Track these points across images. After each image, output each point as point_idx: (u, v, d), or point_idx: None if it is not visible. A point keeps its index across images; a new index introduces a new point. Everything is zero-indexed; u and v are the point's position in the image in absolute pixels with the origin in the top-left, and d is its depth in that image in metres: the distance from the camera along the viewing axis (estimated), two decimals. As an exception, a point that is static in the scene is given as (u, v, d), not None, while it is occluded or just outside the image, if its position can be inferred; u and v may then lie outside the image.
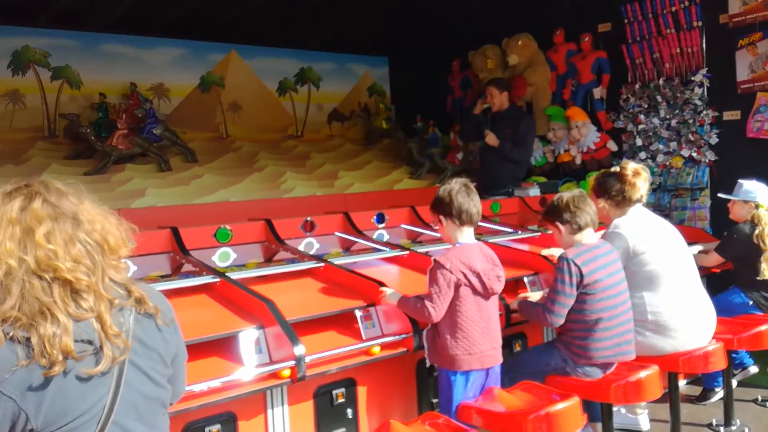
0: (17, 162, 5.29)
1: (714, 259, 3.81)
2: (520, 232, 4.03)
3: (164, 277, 2.89)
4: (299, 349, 2.29)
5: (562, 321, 2.69)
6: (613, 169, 3.23)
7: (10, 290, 1.23)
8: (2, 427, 1.20)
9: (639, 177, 3.09)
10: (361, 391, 2.68)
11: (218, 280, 2.76)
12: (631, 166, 3.13)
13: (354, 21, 6.36)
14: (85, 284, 1.29)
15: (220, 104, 6.86)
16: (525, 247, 3.67)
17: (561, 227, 2.80)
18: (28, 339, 1.20)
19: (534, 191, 5.20)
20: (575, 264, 2.63)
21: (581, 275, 2.61)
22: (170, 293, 2.41)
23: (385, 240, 3.78)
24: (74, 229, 1.32)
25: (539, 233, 3.96)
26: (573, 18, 5.66)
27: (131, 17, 5.74)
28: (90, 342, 1.26)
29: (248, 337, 2.38)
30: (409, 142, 6.94)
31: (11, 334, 1.20)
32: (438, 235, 2.86)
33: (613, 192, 3.13)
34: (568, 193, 2.86)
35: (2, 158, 5.26)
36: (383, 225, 4.01)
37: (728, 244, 3.74)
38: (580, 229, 2.76)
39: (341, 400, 2.59)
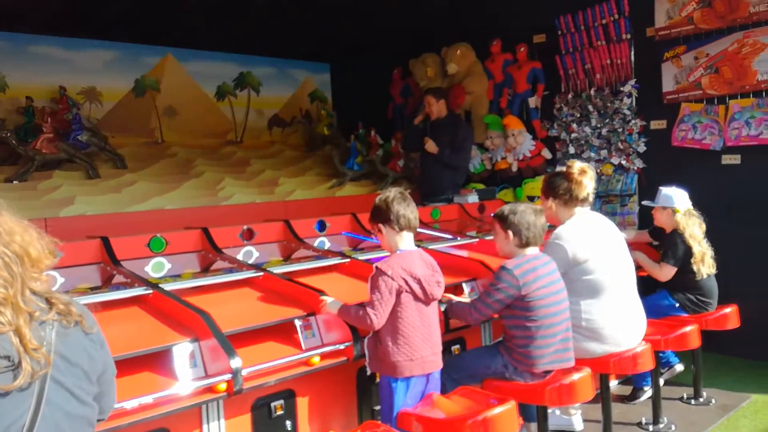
0: (-66, 169, 4.98)
1: (667, 271, 3.79)
2: (459, 238, 4.08)
3: (93, 290, 2.77)
4: (236, 362, 2.24)
5: (482, 320, 2.84)
6: (559, 169, 3.27)
7: None
8: None
9: (585, 175, 3.14)
10: (301, 403, 2.65)
11: (151, 291, 2.67)
12: (577, 164, 3.18)
13: (295, 26, 6.31)
14: (2, 297, 1.23)
15: (155, 108, 6.65)
16: (464, 253, 3.73)
17: (512, 237, 2.80)
18: None
19: (473, 198, 5.29)
20: (513, 275, 2.67)
21: (519, 286, 2.66)
22: (100, 306, 2.31)
23: (326, 248, 3.76)
24: (-10, 241, 1.26)
25: (477, 239, 4.03)
26: (509, 29, 5.80)
27: (62, 18, 5.49)
28: (7, 357, 1.20)
29: (182, 350, 2.31)
30: (332, 150, 6.92)
31: None
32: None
33: (560, 191, 3.17)
34: (530, 209, 2.83)
35: None
36: (324, 232, 3.98)
37: (675, 251, 3.77)
38: (527, 245, 2.80)
39: (280, 412, 2.55)
